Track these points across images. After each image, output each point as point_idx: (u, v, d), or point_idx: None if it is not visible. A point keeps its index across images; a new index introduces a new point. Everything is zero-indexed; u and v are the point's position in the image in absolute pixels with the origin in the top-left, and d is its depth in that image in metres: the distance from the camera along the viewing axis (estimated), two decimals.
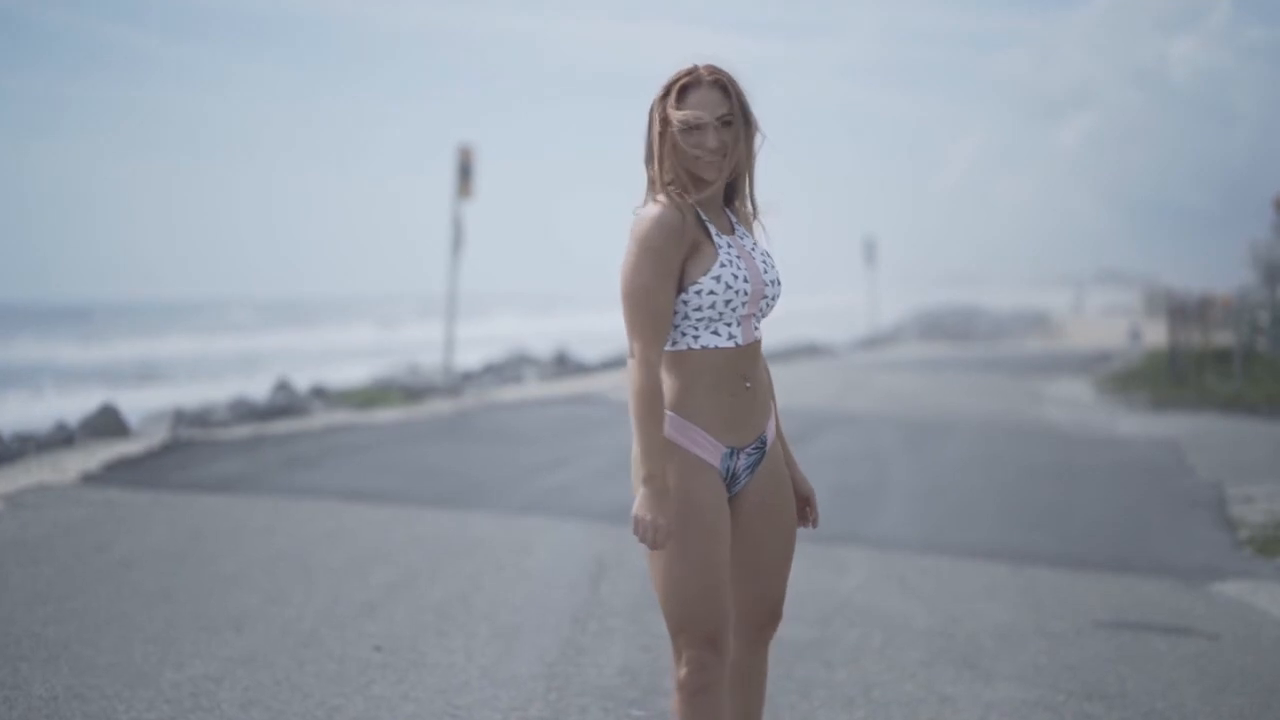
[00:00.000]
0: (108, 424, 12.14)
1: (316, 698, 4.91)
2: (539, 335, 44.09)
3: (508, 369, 25.08)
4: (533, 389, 21.25)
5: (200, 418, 14.74)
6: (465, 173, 19.61)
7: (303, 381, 20.76)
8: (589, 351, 32.04)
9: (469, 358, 27.96)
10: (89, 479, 9.56)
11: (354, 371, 25.94)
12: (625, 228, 3.23)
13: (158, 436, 12.09)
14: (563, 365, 26.75)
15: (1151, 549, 8.87)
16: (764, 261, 3.33)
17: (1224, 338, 25.99)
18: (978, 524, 9.53)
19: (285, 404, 15.68)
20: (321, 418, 14.95)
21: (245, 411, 15.13)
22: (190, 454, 11.02)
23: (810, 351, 35.84)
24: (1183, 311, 24.38)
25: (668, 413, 3.17)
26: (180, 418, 14.89)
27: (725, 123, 3.23)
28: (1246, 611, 7.08)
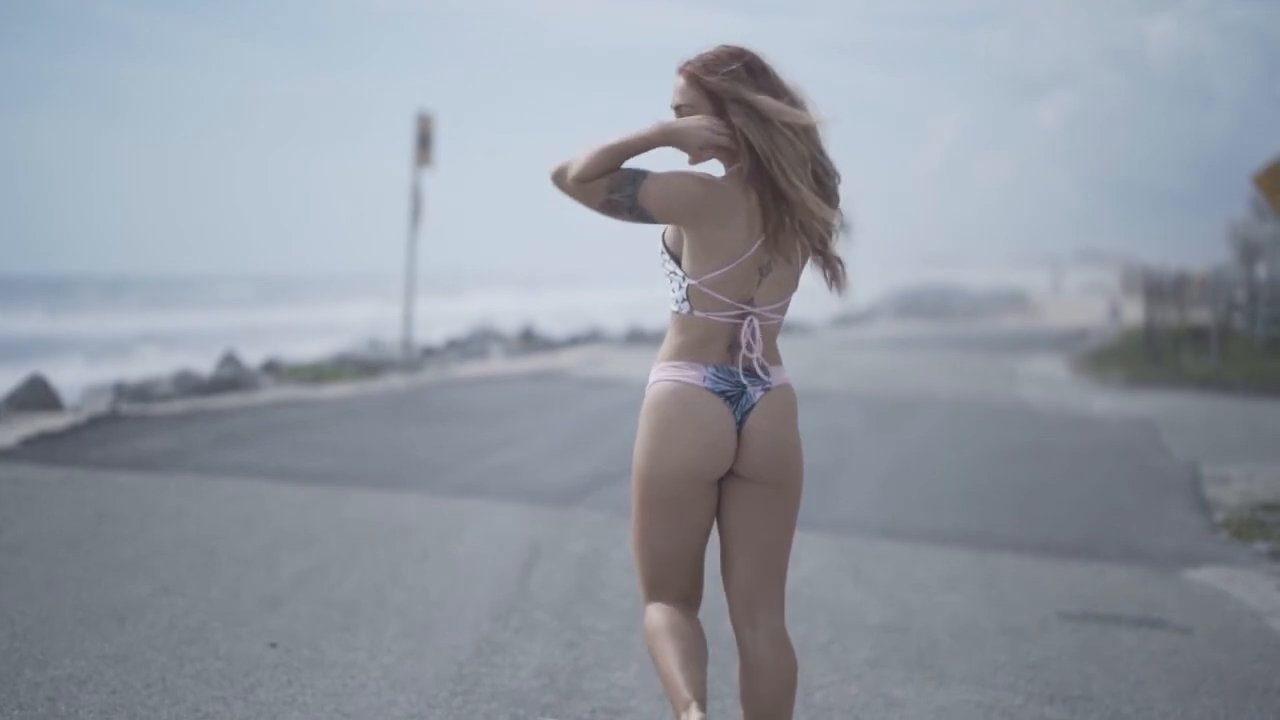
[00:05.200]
0: (36, 397, 11.52)
1: (189, 702, 4.40)
2: (512, 312, 43.36)
3: (472, 345, 24.54)
4: (496, 365, 20.76)
5: (142, 391, 14.20)
6: (424, 141, 19.08)
7: (260, 356, 20.16)
8: (558, 328, 31.51)
9: (437, 333, 27.37)
10: (2, 455, 9.01)
11: (321, 346, 25.16)
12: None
13: (86, 411, 11.50)
14: (529, 342, 26.23)
15: (1123, 533, 8.44)
16: None
17: (1201, 316, 25.64)
18: (941, 508, 9.06)
19: (232, 378, 15.11)
20: (269, 393, 14.40)
21: (190, 386, 14.58)
22: (116, 429, 10.45)
23: (783, 329, 35.45)
24: (1159, 290, 24.02)
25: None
26: (121, 391, 14.36)
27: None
28: (1221, 602, 6.67)
